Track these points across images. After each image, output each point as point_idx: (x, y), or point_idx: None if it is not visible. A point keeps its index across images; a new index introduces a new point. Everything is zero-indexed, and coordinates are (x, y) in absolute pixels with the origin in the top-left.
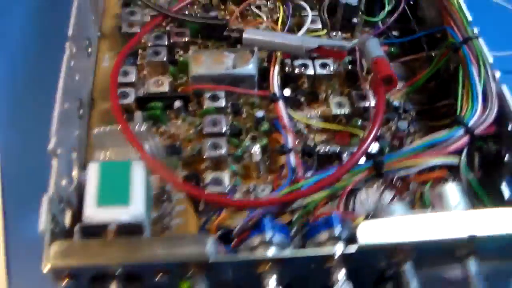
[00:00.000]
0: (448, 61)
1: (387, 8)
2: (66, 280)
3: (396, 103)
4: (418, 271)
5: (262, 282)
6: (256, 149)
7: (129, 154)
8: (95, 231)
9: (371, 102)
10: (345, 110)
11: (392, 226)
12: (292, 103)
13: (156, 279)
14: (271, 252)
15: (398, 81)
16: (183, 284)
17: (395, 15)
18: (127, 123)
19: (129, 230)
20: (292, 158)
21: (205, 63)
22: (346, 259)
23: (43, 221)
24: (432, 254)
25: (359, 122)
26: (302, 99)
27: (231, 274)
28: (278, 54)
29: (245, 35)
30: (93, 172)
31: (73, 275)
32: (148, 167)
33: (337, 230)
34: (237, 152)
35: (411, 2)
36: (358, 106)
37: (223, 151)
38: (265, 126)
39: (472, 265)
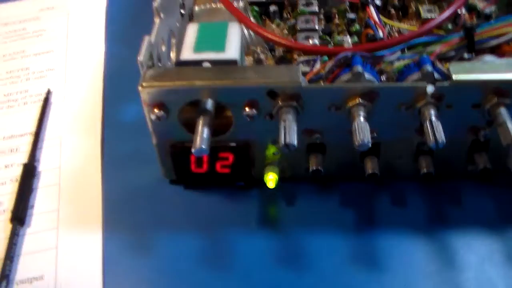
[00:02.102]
0: None
1: None
2: (157, 110)
3: (487, 11)
4: None
5: (351, 117)
6: (348, 40)
7: None
8: None
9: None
10: (435, 15)
11: (485, 66)
12: (382, 14)
13: (245, 112)
14: (362, 85)
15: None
16: (271, 148)
17: None
18: None
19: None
20: None
21: None
22: (437, 98)
23: (143, 53)
24: None
25: (449, 25)
26: (393, 11)
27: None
28: None
29: None
30: (191, 30)
31: (164, 104)
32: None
33: (428, 68)
34: (329, 45)
35: None
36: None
37: (316, 41)
38: (356, 27)
39: None
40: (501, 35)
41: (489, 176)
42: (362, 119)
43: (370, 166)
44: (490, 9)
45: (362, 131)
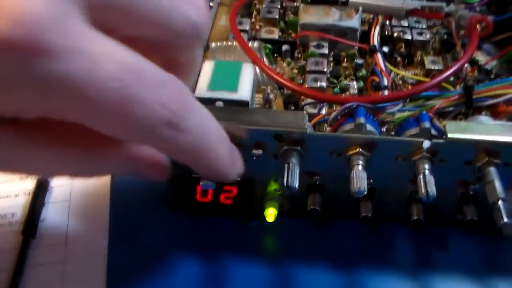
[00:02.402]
0: None
1: None
2: None
3: (488, 66)
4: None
5: (350, 165)
6: (354, 86)
7: None
8: None
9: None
10: (439, 67)
11: (479, 127)
12: (389, 61)
13: (252, 152)
14: (363, 135)
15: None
16: (273, 184)
17: None
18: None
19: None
20: (386, 93)
21: (314, 14)
22: (432, 153)
23: None
24: None
25: (451, 78)
26: (399, 58)
27: (320, 160)
28: (380, 17)
29: None
30: (207, 67)
31: None
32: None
33: (426, 124)
34: (336, 89)
35: None
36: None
37: (323, 84)
38: (363, 72)
39: None
40: (498, 96)
41: (476, 227)
42: (360, 167)
43: (364, 209)
44: (491, 64)
45: (359, 179)
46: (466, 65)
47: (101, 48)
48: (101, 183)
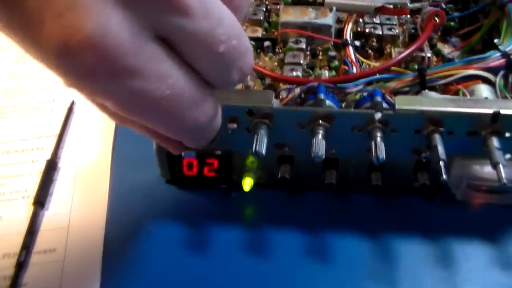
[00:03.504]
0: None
1: None
2: None
3: (450, 56)
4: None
5: (312, 135)
6: (326, 74)
7: None
8: None
9: (427, 53)
10: None
11: (424, 100)
12: (361, 54)
13: (228, 126)
14: (321, 108)
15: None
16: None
17: None
18: None
19: None
20: None
21: (293, 14)
22: (384, 123)
23: None
24: (458, 129)
25: (416, 66)
26: (370, 51)
27: (287, 132)
28: (354, 16)
29: (327, 0)
30: None
31: None
32: None
33: (378, 99)
34: (310, 77)
35: None
36: (416, 55)
37: (299, 73)
38: (335, 63)
39: (495, 141)
40: (448, 76)
41: (429, 192)
42: (320, 136)
43: (329, 177)
44: (453, 54)
45: (317, 146)
46: (429, 54)
47: (163, 71)
48: (102, 160)
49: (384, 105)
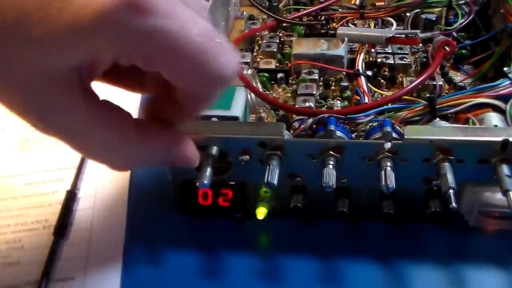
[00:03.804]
0: (508, 49)
1: (460, 20)
2: None
3: (462, 84)
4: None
5: (323, 165)
6: (338, 104)
7: None
8: None
9: (438, 82)
10: None
11: (433, 129)
12: (373, 83)
13: (240, 158)
14: (332, 139)
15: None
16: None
17: (465, 22)
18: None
19: None
20: None
21: (305, 45)
22: (393, 152)
23: None
24: (468, 157)
25: (427, 95)
26: (382, 80)
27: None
28: (365, 46)
29: (338, 31)
30: None
31: None
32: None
33: (388, 128)
34: (323, 108)
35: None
36: (427, 83)
37: (311, 104)
38: (348, 93)
39: (505, 168)
40: (459, 105)
41: (440, 218)
42: (330, 166)
43: (341, 205)
44: (465, 82)
45: (328, 175)
46: (441, 82)
47: (189, 13)
48: (120, 192)
49: (394, 135)
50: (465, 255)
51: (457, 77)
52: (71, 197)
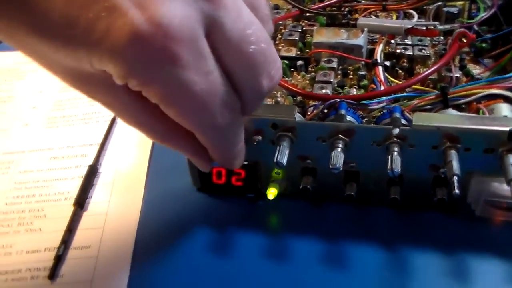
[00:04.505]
0: None
1: (482, 13)
2: None
3: (479, 77)
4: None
5: (332, 147)
6: (354, 92)
7: None
8: None
9: (455, 73)
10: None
11: (441, 116)
12: (391, 74)
13: (254, 138)
14: (341, 123)
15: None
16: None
17: (486, 15)
18: None
19: None
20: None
21: (326, 34)
22: (401, 138)
23: None
24: (475, 146)
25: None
26: (400, 71)
27: (310, 145)
28: (385, 37)
29: (359, 21)
30: None
31: None
32: None
33: (397, 115)
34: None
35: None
36: (444, 75)
37: (328, 91)
38: (365, 82)
39: (511, 158)
40: (471, 95)
41: (447, 207)
42: (339, 149)
43: (349, 188)
44: (483, 75)
45: (336, 158)
46: (458, 75)
47: (208, 67)
48: (139, 168)
49: (403, 121)
50: (469, 244)
51: (476, 70)
52: (92, 171)
